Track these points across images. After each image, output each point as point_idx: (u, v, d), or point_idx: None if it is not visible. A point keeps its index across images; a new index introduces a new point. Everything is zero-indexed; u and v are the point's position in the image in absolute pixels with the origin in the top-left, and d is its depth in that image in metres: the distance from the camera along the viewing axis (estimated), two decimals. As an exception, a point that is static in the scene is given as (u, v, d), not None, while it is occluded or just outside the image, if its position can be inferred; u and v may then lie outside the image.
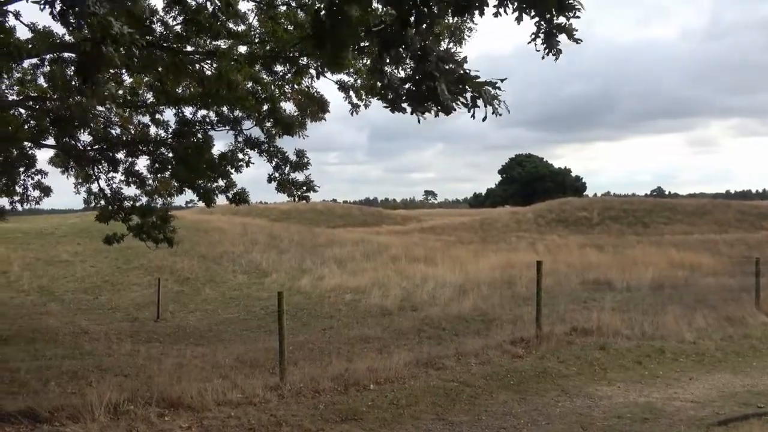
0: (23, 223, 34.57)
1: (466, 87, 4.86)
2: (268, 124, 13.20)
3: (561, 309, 15.77)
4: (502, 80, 4.94)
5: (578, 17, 5.02)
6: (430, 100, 4.86)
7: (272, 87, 12.46)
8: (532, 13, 4.98)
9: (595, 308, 15.20)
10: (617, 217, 51.67)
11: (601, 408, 8.15)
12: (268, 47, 11.49)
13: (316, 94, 12.51)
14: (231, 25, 10.86)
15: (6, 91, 13.74)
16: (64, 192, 46.31)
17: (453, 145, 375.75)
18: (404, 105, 5.05)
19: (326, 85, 13.20)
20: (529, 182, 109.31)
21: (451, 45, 9.90)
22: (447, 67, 4.79)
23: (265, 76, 12.35)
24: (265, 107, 12.54)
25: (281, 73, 12.37)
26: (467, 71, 4.88)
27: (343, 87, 11.88)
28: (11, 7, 9.77)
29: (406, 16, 4.63)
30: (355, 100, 11.91)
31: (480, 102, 4.82)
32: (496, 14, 4.99)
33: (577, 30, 5.18)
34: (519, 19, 5.08)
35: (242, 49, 11.50)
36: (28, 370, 11.33)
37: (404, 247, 32.81)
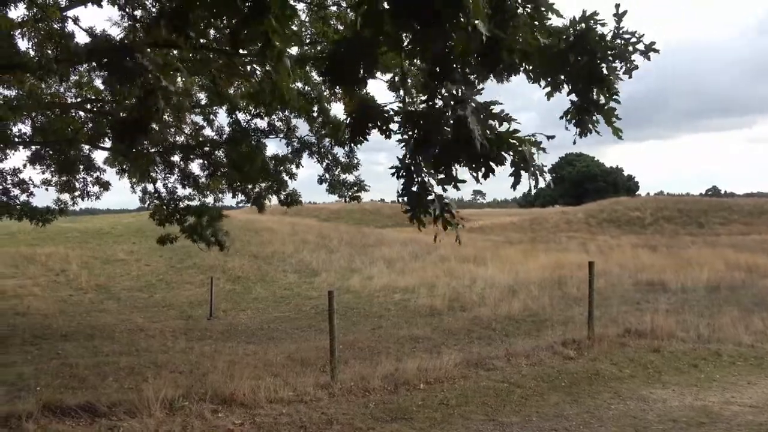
0: (80, 223, 35.51)
1: (504, 149, 4.11)
2: (318, 125, 13.33)
3: (613, 310, 15.52)
4: (549, 137, 4.27)
5: (617, 99, 4.55)
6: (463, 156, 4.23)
7: (322, 87, 12.57)
8: (567, 88, 4.58)
9: (648, 310, 14.95)
10: (671, 217, 50.55)
11: (655, 411, 8.00)
12: (319, 47, 11.59)
13: (366, 94, 12.56)
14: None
15: (65, 93, 14.18)
16: (119, 191, 47.52)
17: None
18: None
19: (377, 84, 13.27)
20: (580, 181, 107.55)
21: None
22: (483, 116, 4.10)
23: (315, 76, 12.46)
24: (315, 108, 12.67)
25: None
26: (509, 128, 4.12)
27: (393, 87, 11.90)
28: (70, 13, 10.11)
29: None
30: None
31: (521, 169, 4.15)
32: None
33: (620, 118, 4.60)
34: (549, 95, 4.68)
35: (293, 50, 11.63)
36: (87, 365, 11.64)
37: (453, 247, 32.66)
